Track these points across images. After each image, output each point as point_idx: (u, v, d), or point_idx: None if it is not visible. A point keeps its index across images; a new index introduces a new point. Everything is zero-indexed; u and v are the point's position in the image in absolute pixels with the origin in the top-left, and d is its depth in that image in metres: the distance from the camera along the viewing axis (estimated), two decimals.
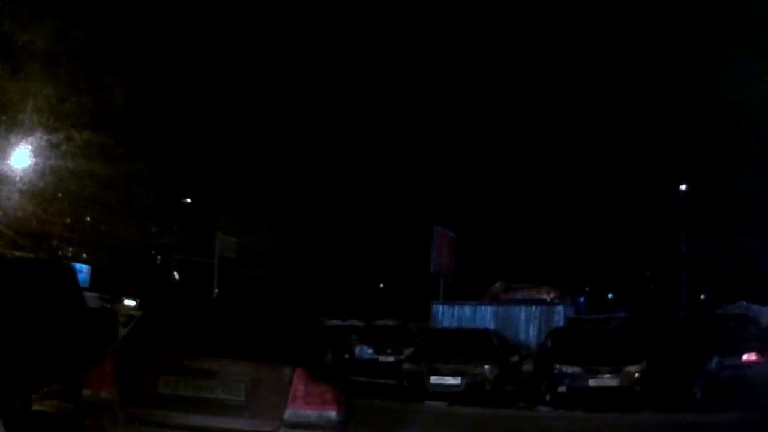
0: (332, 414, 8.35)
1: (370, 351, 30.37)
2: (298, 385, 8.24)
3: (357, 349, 30.66)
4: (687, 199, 47.62)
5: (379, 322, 35.90)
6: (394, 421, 16.02)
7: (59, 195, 31.32)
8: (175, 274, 57.27)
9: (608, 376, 19.29)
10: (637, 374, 19.33)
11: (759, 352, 18.84)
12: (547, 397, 19.83)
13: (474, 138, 58.57)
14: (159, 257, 60.22)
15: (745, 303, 35.66)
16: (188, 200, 53.12)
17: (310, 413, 8.24)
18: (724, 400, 17.89)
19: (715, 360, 18.99)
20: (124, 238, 46.08)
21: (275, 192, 55.87)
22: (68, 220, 37.24)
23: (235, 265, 52.68)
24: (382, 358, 29.40)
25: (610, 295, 68.61)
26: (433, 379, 20.80)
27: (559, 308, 35.71)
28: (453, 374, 20.74)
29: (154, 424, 8.16)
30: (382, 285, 76.92)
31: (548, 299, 38.91)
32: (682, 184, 47.81)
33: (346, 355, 26.27)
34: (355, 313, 45.06)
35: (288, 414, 8.18)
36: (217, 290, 50.96)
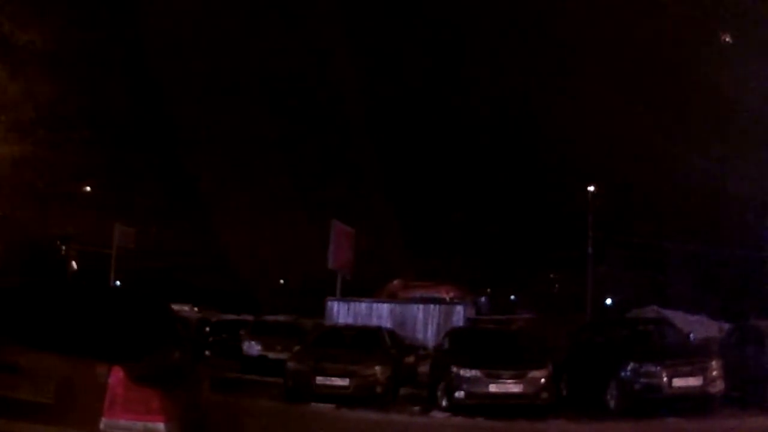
0: (159, 427, 6.69)
1: (258, 347, 29.09)
2: (116, 387, 6.59)
3: (245, 345, 29.38)
4: (595, 200, 46.96)
5: (270, 317, 34.68)
6: (270, 426, 15.10)
7: None
8: (74, 264, 55.44)
9: (511, 381, 17.78)
10: (543, 380, 17.84)
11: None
12: (444, 403, 18.20)
13: (375, 133, 56.98)
14: (64, 247, 58.28)
15: (656, 307, 34.91)
16: (88, 188, 51.44)
17: (132, 424, 6.65)
18: (639, 410, 17.00)
19: (631, 367, 17.46)
20: (31, 227, 44.17)
21: (181, 184, 54.28)
22: None
23: (135, 256, 51.09)
24: (271, 355, 27.90)
25: (512, 297, 68.05)
26: (320, 380, 19.13)
27: (459, 308, 34.78)
28: (341, 375, 19.11)
29: None
30: (282, 281, 75.25)
31: (448, 299, 38.05)
32: (590, 185, 47.09)
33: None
34: (253, 308, 43.90)
35: (104, 423, 6.59)
36: (118, 282, 49.32)
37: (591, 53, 44.08)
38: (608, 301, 57.29)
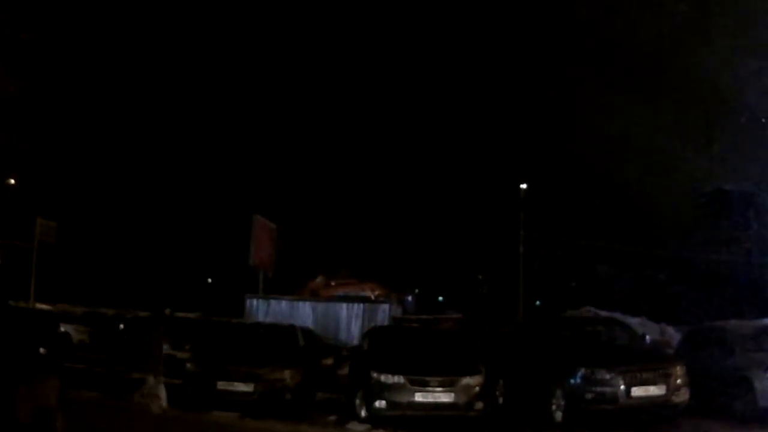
0: None
1: (166, 347, 26.83)
2: None
3: None
4: (527, 199, 45.72)
5: (180, 315, 33.04)
6: None
7: None
8: None
9: (440, 389, 15.54)
10: (477, 387, 15.70)
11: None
12: (363, 413, 15.94)
13: (303, 128, 56.54)
14: None
15: (592, 308, 33.44)
16: (12, 181, 51.12)
17: None
18: (590, 423, 15.14)
19: (581, 373, 15.33)
20: None
21: (108, 179, 53.60)
22: None
23: (57, 250, 49.64)
24: (179, 355, 25.64)
25: (440, 298, 66.99)
26: (221, 384, 16.91)
27: (384, 307, 34.09)
28: (244, 379, 16.91)
29: None
30: (210, 280, 75.49)
31: (373, 297, 36.68)
32: (522, 183, 45.82)
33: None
34: (171, 306, 42.52)
35: None
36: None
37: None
38: (538, 302, 56.45)
